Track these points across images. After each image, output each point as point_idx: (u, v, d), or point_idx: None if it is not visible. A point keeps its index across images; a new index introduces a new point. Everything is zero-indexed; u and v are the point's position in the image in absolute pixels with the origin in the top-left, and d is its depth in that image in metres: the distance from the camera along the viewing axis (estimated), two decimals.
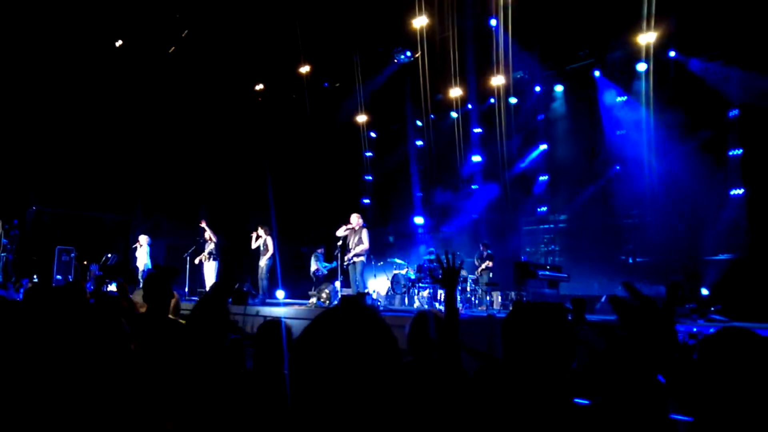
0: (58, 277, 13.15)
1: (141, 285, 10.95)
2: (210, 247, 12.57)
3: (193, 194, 16.91)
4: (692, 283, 9.73)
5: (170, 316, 4.41)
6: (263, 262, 11.82)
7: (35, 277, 12.67)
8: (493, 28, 11.74)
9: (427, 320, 3.10)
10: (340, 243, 10.55)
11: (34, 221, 13.87)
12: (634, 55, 11.59)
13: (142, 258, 12.70)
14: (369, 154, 15.62)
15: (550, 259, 12.43)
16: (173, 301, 4.91)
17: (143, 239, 12.82)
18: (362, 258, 10.45)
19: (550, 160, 13.77)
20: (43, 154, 13.53)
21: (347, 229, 10.51)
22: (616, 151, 12.34)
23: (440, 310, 10.02)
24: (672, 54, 11.17)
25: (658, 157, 11.24)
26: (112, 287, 11.02)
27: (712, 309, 8.61)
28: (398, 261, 12.47)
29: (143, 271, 12.49)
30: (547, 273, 11.54)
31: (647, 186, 11.52)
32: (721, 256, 10.20)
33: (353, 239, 10.50)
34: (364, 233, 10.48)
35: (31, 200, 13.73)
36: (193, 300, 11.66)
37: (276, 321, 2.90)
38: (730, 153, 10.62)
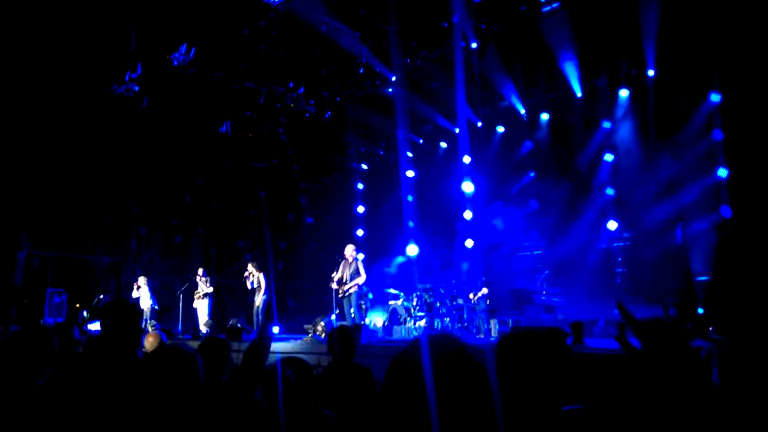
0: (50, 320, 12.94)
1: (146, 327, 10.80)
2: (204, 288, 12.59)
3: (186, 231, 16.87)
4: (688, 303, 9.68)
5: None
6: (258, 299, 11.73)
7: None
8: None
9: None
10: (334, 275, 10.47)
11: (26, 264, 13.70)
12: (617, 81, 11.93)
13: (145, 299, 12.50)
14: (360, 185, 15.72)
15: (545, 285, 12.38)
16: (153, 340, 4.81)
17: (142, 280, 12.63)
18: (356, 289, 10.38)
19: (539, 185, 13.88)
20: (35, 197, 13.42)
21: (343, 267, 10.46)
22: (607, 175, 12.50)
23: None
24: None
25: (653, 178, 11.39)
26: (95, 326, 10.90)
27: (711, 329, 8.56)
28: (393, 291, 12.39)
29: (150, 310, 12.32)
30: (544, 298, 11.51)
31: (640, 208, 11.63)
32: (701, 278, 10.18)
33: (348, 271, 10.43)
34: (360, 264, 10.43)
35: (23, 244, 13.59)
36: (187, 337, 11.54)
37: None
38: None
